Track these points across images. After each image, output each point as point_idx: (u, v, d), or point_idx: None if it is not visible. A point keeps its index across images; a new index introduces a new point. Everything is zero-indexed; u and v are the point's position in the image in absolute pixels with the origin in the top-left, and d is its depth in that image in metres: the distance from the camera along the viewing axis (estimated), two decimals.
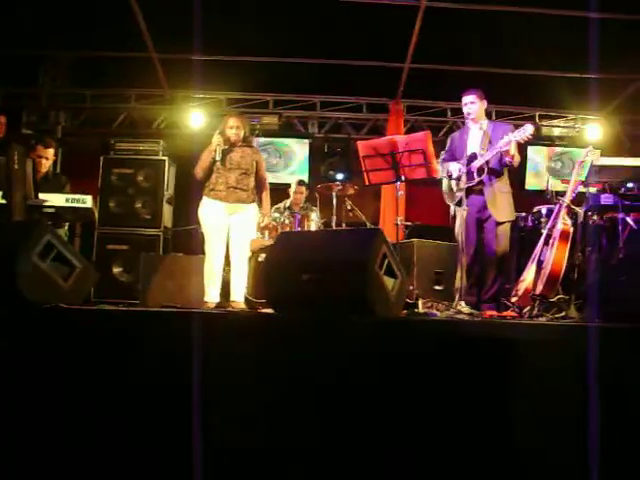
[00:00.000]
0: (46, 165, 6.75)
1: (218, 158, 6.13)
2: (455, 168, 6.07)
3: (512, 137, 5.77)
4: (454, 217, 6.20)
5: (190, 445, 3.00)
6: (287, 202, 8.18)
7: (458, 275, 6.05)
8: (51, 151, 6.82)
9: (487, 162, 5.90)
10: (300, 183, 8.31)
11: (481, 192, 5.98)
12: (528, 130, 5.74)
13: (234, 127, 6.29)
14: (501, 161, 5.96)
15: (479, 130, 6.12)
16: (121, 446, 3.16)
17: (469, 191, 5.90)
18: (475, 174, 5.91)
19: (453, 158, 6.21)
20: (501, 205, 6.01)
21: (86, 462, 3.14)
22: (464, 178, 5.86)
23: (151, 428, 3.17)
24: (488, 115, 9.31)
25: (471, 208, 5.92)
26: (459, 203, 6.03)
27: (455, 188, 6.09)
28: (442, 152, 6.32)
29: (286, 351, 3.25)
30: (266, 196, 6.50)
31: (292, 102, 10.10)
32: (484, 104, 6.22)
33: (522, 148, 6.52)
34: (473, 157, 5.95)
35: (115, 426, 3.19)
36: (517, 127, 5.92)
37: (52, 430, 3.17)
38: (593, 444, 2.91)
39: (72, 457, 3.14)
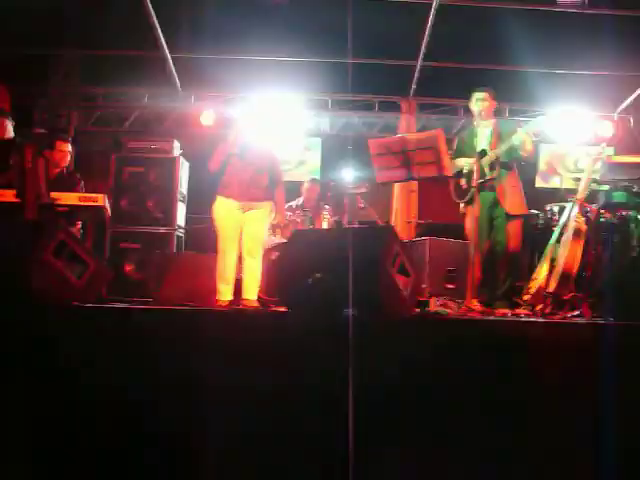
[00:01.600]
0: (67, 159, 6.81)
1: (236, 151, 6.16)
2: (465, 165, 6.07)
3: (525, 129, 5.75)
4: (464, 215, 6.19)
5: (204, 439, 3.01)
6: (299, 200, 8.18)
7: (469, 273, 6.04)
8: (69, 145, 6.89)
9: (498, 157, 5.89)
10: (313, 181, 8.32)
11: (492, 188, 5.98)
12: (540, 122, 5.72)
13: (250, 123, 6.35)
14: (512, 156, 5.95)
15: (486, 128, 6.11)
16: (134, 441, 3.18)
17: (480, 188, 5.87)
18: (487, 170, 5.90)
19: (461, 157, 6.21)
20: (513, 198, 6.00)
21: (98, 460, 3.16)
22: (475, 175, 5.84)
23: (164, 424, 3.18)
24: (500, 113, 9.30)
25: (483, 205, 5.91)
26: (470, 201, 6.02)
27: (464, 185, 6.09)
28: (451, 152, 6.29)
29: (298, 349, 3.26)
30: (281, 194, 6.48)
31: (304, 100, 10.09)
32: (494, 104, 6.21)
33: (533, 145, 6.49)
34: (483, 153, 5.93)
35: (127, 422, 3.20)
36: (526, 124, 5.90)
37: (62, 426, 3.19)
38: (608, 440, 2.91)
39: (85, 454, 3.16)
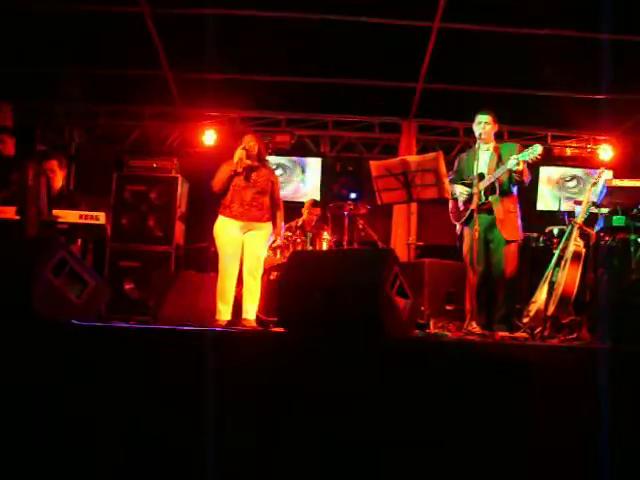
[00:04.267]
0: (54, 178, 6.74)
1: (240, 170, 6.19)
2: (461, 190, 6.09)
3: (521, 157, 5.78)
4: (460, 236, 6.21)
5: (203, 461, 3.00)
6: (299, 221, 8.19)
7: (468, 296, 6.05)
8: (54, 162, 6.82)
9: (496, 181, 5.92)
10: (314, 204, 8.32)
11: (489, 212, 6.00)
12: (537, 150, 5.74)
13: (250, 141, 6.36)
14: (510, 180, 5.99)
15: (487, 151, 6.13)
16: (131, 460, 3.17)
17: (477, 211, 5.89)
18: (483, 194, 5.92)
19: (460, 178, 6.23)
20: (510, 224, 6.03)
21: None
22: (474, 198, 5.86)
23: (162, 445, 3.17)
24: (500, 135, 9.33)
25: (480, 227, 5.92)
26: (466, 222, 6.05)
27: (462, 207, 6.11)
28: (450, 172, 6.31)
29: (297, 370, 3.26)
30: (280, 216, 6.51)
31: (304, 121, 10.11)
32: (496, 127, 6.24)
33: (533, 168, 6.53)
34: (481, 177, 5.96)
35: (124, 442, 3.19)
36: (526, 147, 5.93)
37: (59, 444, 3.18)
38: (604, 465, 2.90)
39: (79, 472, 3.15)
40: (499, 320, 5.97)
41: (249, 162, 6.29)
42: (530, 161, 5.82)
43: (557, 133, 10.16)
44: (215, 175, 6.36)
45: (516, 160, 5.78)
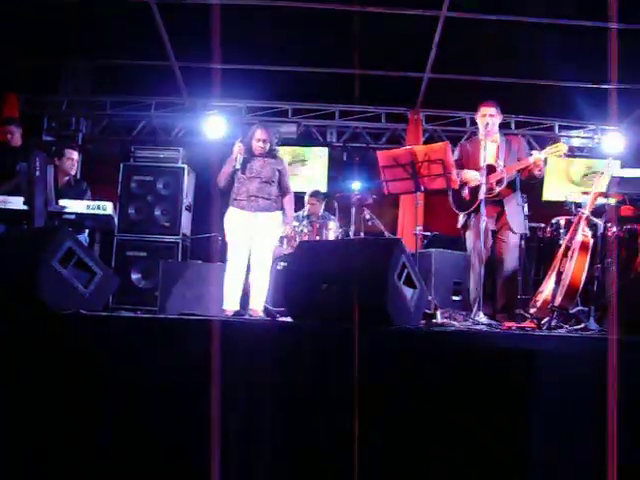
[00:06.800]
0: (75, 167, 6.89)
1: (238, 166, 6.18)
2: (473, 177, 6.03)
3: (544, 153, 5.81)
4: (464, 226, 6.19)
5: (208, 452, 3.01)
6: (304, 211, 8.18)
7: (472, 286, 6.04)
8: (76, 153, 6.94)
9: (507, 174, 5.91)
10: (312, 194, 8.29)
11: (496, 203, 5.99)
12: (562, 149, 5.79)
13: (261, 140, 6.31)
14: (521, 174, 5.99)
15: (493, 142, 6.10)
16: (134, 455, 3.18)
17: (485, 202, 5.86)
18: (495, 185, 5.90)
19: (460, 168, 6.18)
20: (517, 217, 6.05)
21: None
22: (483, 188, 5.84)
23: (167, 435, 3.18)
24: (507, 125, 9.31)
25: (486, 218, 5.90)
26: (471, 213, 6.04)
27: (467, 197, 6.08)
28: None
29: (304, 360, 3.26)
30: (289, 205, 6.50)
31: (311, 111, 10.10)
32: (501, 118, 6.23)
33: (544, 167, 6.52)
34: (492, 168, 5.92)
35: (129, 432, 3.20)
36: (534, 137, 5.93)
37: (65, 432, 3.19)
38: (612, 456, 2.90)
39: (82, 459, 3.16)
40: (500, 310, 5.99)
41: (246, 156, 6.27)
42: (552, 155, 5.88)
43: (564, 123, 10.12)
44: (220, 172, 6.38)
45: (542, 155, 5.82)
